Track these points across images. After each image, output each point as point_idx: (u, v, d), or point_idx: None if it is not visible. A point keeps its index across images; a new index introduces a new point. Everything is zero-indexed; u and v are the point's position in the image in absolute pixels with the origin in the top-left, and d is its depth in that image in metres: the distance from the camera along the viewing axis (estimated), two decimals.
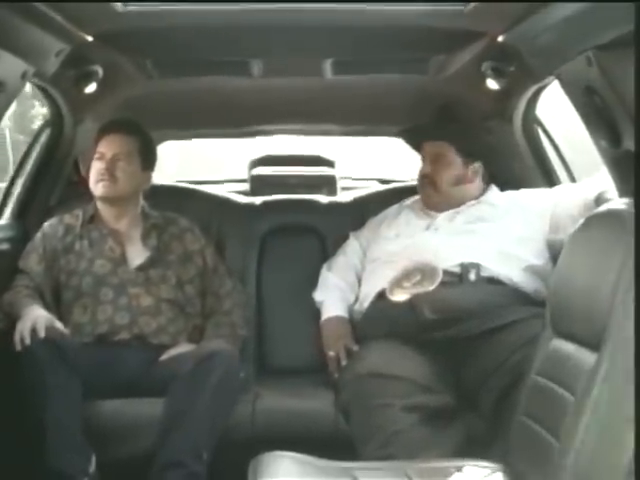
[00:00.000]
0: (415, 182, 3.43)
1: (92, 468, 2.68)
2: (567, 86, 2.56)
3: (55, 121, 3.42)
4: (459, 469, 2.15)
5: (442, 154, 3.16)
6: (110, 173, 3.10)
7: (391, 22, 2.61)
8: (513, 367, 2.61)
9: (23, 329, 2.78)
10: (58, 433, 2.65)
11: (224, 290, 3.24)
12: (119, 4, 2.37)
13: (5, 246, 3.14)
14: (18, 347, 2.76)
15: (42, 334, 2.77)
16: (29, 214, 3.45)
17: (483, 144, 3.23)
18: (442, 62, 3.04)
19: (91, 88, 3.10)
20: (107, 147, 3.13)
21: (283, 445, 2.29)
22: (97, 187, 3.13)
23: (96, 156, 3.13)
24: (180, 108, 3.58)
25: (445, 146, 3.16)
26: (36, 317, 2.84)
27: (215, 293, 3.23)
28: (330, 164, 4.74)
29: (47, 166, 3.51)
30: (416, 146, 3.30)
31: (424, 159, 3.21)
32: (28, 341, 2.75)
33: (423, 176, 3.20)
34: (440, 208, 3.16)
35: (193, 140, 4.82)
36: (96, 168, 3.13)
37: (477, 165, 3.19)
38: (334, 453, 2.33)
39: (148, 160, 3.22)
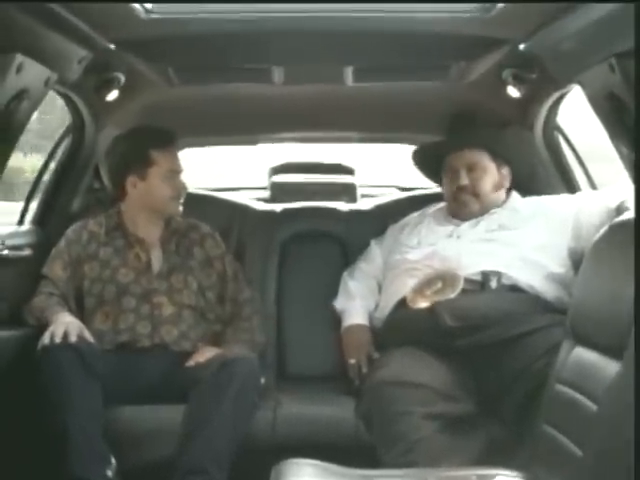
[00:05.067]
0: (435, 189, 3.43)
1: (112, 474, 2.68)
2: (589, 93, 2.55)
3: (77, 128, 3.43)
4: (481, 477, 2.14)
5: (478, 162, 3.15)
6: (185, 190, 3.17)
7: (412, 29, 2.61)
8: (535, 375, 2.60)
9: (56, 331, 2.79)
10: (79, 439, 2.65)
11: (243, 297, 3.25)
12: (142, 11, 2.38)
13: (26, 252, 3.15)
14: (46, 341, 2.76)
15: (73, 339, 2.78)
16: (50, 220, 3.46)
17: (511, 147, 3.22)
18: (463, 69, 3.03)
19: (113, 95, 3.12)
20: (176, 162, 3.16)
21: (304, 452, 2.28)
22: (173, 205, 3.15)
23: (169, 174, 3.12)
24: (201, 115, 3.59)
25: (480, 153, 3.15)
26: (69, 322, 2.86)
27: (234, 300, 3.23)
28: (350, 172, 4.73)
29: (68, 172, 3.52)
30: (438, 161, 3.28)
31: (457, 170, 3.16)
32: (59, 340, 2.76)
33: (461, 187, 3.15)
34: (468, 217, 3.15)
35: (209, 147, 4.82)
36: (176, 186, 3.14)
37: (506, 169, 3.20)
38: (355, 460, 2.32)
39: None
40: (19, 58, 2.26)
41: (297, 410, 2.96)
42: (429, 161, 3.36)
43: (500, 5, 2.40)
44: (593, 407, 1.92)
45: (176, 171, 3.15)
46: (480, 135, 3.20)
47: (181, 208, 3.18)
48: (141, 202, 3.14)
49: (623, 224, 2.16)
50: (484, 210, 3.15)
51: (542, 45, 2.58)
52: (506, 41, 2.70)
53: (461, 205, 3.18)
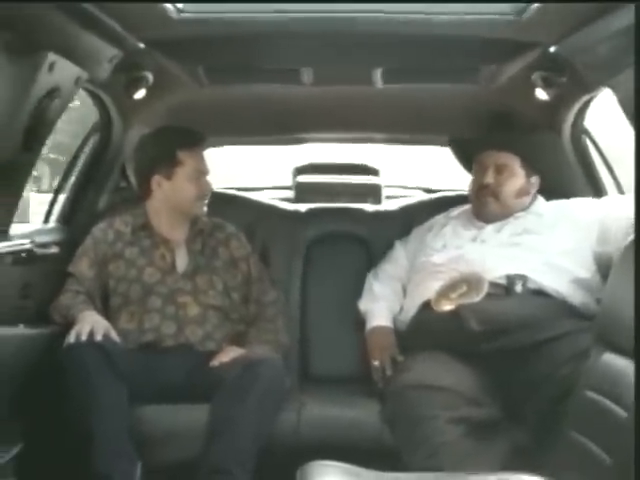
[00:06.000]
0: (461, 192, 3.42)
1: (138, 473, 2.68)
2: (621, 97, 2.53)
3: (104, 126, 3.44)
4: None
5: (508, 165, 3.13)
6: (210, 191, 3.17)
7: (442, 31, 2.60)
8: (560, 380, 2.59)
9: (82, 329, 2.80)
10: (105, 437, 2.65)
11: (268, 298, 3.25)
12: (174, 11, 2.39)
13: (53, 249, 3.15)
14: (72, 340, 2.77)
15: (99, 338, 2.79)
16: (76, 218, 3.47)
17: (543, 156, 3.19)
18: (493, 72, 3.02)
19: (140, 94, 3.12)
20: (203, 163, 3.16)
21: (327, 454, 2.26)
22: (198, 205, 3.15)
23: (195, 174, 3.12)
24: (228, 115, 3.59)
25: (512, 157, 3.13)
26: (95, 321, 2.87)
27: (258, 300, 3.23)
28: (375, 173, 4.72)
29: (95, 171, 3.53)
30: (470, 156, 3.27)
31: (485, 169, 3.15)
32: (84, 338, 2.77)
33: (484, 186, 3.15)
34: (489, 219, 3.14)
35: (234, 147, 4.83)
36: (202, 186, 3.14)
37: (535, 178, 3.17)
38: (378, 463, 2.30)
39: None
40: (51, 57, 2.27)
41: (321, 412, 2.96)
42: (464, 154, 3.35)
43: (532, 8, 2.39)
44: (623, 414, 1.91)
45: (202, 171, 3.14)
46: (515, 140, 3.17)
47: (206, 208, 3.18)
48: (166, 202, 3.14)
49: None
50: (504, 214, 3.13)
51: (573, 48, 2.57)
52: (537, 44, 2.68)
53: (481, 205, 3.17)
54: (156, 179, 3.11)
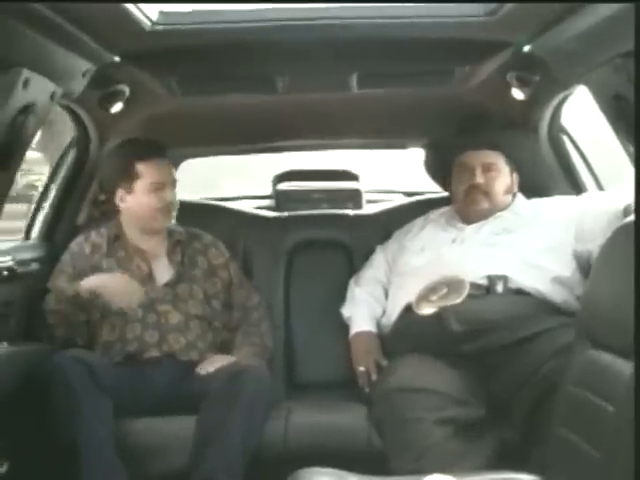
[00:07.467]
0: (441, 194, 3.42)
1: None
2: (596, 93, 2.54)
3: (81, 141, 3.43)
4: None
5: (495, 163, 3.16)
6: (173, 203, 3.13)
7: (415, 34, 2.60)
8: (544, 377, 2.60)
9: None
10: (92, 453, 2.65)
11: (251, 303, 3.26)
12: (147, 24, 2.38)
13: (34, 266, 3.15)
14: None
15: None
16: (56, 234, 3.46)
17: (524, 153, 3.23)
18: (467, 73, 3.03)
19: (117, 107, 3.10)
20: (163, 174, 3.11)
21: (316, 461, 2.26)
22: (161, 218, 3.12)
23: (153, 187, 3.09)
24: (204, 125, 3.58)
25: (497, 155, 3.16)
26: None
27: (242, 306, 3.24)
28: (355, 178, 4.72)
29: (73, 186, 3.51)
30: (449, 159, 3.27)
31: (472, 169, 3.15)
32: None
33: (474, 186, 3.15)
34: (479, 218, 3.14)
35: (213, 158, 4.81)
36: (163, 198, 3.10)
37: (516, 175, 3.21)
38: (367, 468, 2.30)
39: None
40: (25, 73, 2.25)
41: (309, 418, 2.96)
42: (443, 157, 3.34)
43: (503, 8, 2.40)
44: (610, 408, 1.91)
45: (161, 183, 3.10)
46: (498, 137, 3.20)
47: (173, 220, 3.16)
48: (131, 215, 3.15)
49: (632, 225, 2.15)
50: (492, 211, 3.14)
51: (546, 47, 2.58)
52: (510, 44, 2.69)
53: (471, 203, 3.16)
54: (119, 193, 3.12)
